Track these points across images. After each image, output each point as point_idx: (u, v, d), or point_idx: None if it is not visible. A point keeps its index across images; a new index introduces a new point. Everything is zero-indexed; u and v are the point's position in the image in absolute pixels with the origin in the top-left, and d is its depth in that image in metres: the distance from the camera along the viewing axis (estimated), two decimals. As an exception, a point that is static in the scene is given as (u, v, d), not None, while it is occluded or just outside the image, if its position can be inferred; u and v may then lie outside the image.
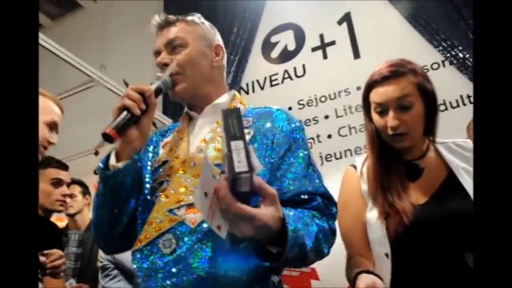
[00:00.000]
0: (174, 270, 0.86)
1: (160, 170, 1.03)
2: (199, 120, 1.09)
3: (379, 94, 1.14)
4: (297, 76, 3.72)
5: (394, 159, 1.19)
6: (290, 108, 3.59)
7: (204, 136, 1.04)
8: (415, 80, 1.13)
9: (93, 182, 3.09)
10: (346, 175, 1.28)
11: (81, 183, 2.85)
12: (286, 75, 3.76)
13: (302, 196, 0.94)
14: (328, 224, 0.93)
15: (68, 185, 2.15)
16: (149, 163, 1.08)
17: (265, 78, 3.82)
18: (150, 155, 1.11)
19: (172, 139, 1.09)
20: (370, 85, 1.18)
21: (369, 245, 1.13)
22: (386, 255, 1.07)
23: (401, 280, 1.06)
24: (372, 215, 1.13)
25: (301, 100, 3.57)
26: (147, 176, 1.05)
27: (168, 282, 0.86)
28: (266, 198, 0.74)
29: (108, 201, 0.97)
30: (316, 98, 3.53)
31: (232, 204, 0.68)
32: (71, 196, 2.69)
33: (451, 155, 1.16)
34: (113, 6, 4.79)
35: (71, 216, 2.72)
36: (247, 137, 0.96)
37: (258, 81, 3.85)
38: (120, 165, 0.93)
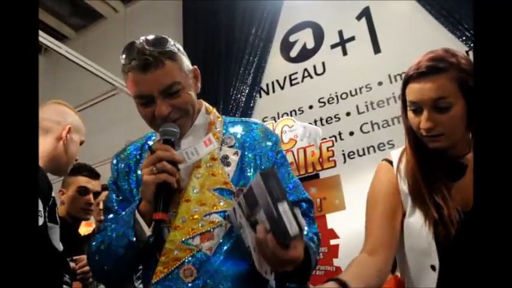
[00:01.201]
0: None
1: None
2: (182, 143, 1.07)
3: (413, 91, 1.02)
4: (316, 74, 3.69)
5: (436, 157, 1.06)
6: (311, 107, 3.58)
7: (194, 161, 1.04)
8: (457, 76, 0.98)
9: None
10: (381, 170, 1.15)
11: None
12: (306, 74, 3.74)
13: None
14: (315, 228, 1.05)
15: (99, 192, 2.16)
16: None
17: (285, 78, 3.82)
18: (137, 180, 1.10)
19: None
20: (406, 80, 1.06)
21: (390, 243, 1.03)
22: (433, 267, 0.97)
23: None
24: (415, 220, 1.02)
25: (322, 98, 3.55)
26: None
27: None
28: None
29: (136, 262, 1.02)
30: (337, 95, 3.50)
31: (283, 254, 0.81)
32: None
33: None
34: (134, 14, 4.90)
35: (101, 222, 2.77)
36: (236, 158, 1.05)
37: (278, 81, 3.85)
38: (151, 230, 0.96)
